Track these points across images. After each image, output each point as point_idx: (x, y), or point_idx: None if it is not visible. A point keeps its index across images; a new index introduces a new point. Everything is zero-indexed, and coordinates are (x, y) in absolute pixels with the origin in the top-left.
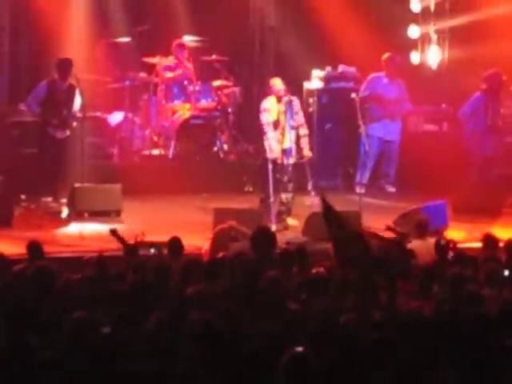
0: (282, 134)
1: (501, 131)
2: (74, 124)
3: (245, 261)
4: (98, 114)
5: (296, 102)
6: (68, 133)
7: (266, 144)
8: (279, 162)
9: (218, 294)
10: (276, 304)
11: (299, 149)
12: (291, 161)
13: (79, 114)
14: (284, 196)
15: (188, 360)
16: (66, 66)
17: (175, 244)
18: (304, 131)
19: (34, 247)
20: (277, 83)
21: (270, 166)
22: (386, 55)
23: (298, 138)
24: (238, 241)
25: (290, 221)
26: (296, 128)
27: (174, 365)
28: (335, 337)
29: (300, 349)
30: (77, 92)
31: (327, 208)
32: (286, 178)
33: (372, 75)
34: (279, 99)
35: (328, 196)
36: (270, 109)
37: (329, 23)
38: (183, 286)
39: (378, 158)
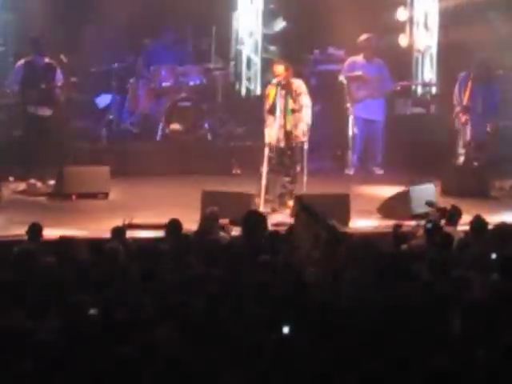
0: (284, 118)
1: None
2: (61, 99)
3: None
4: (86, 96)
5: (298, 84)
6: (50, 112)
7: (265, 129)
8: (278, 145)
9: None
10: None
11: (296, 130)
12: (293, 144)
13: (60, 92)
14: (286, 179)
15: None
16: (38, 42)
17: (174, 226)
18: (303, 113)
19: (35, 229)
20: (276, 68)
21: (266, 150)
22: (362, 36)
23: (298, 120)
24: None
25: (292, 203)
26: (298, 111)
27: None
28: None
29: (286, 330)
30: (58, 71)
31: (306, 210)
32: (286, 161)
33: (349, 58)
34: (279, 83)
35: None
36: (268, 94)
37: (318, 6)
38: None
39: (365, 140)
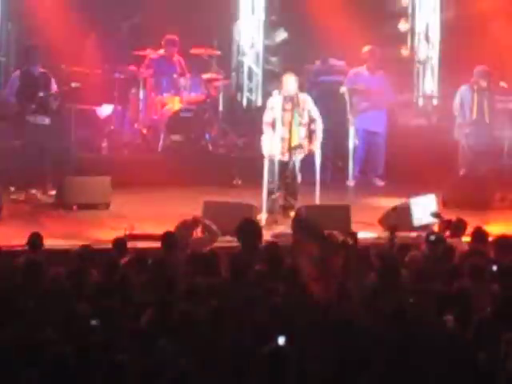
0: (290, 132)
1: (490, 125)
2: (54, 108)
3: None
4: (87, 106)
5: (304, 98)
6: (48, 120)
7: (262, 141)
8: (281, 159)
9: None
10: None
11: (309, 144)
12: (298, 157)
13: (55, 101)
14: (287, 192)
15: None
16: (33, 51)
17: (170, 238)
18: (315, 126)
19: (35, 239)
20: (288, 81)
21: (266, 163)
22: (366, 48)
23: (310, 133)
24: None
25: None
26: (307, 124)
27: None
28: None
29: (282, 341)
30: (52, 80)
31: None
32: (289, 175)
33: (352, 70)
34: (285, 96)
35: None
36: (272, 107)
37: (319, 17)
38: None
39: (367, 151)
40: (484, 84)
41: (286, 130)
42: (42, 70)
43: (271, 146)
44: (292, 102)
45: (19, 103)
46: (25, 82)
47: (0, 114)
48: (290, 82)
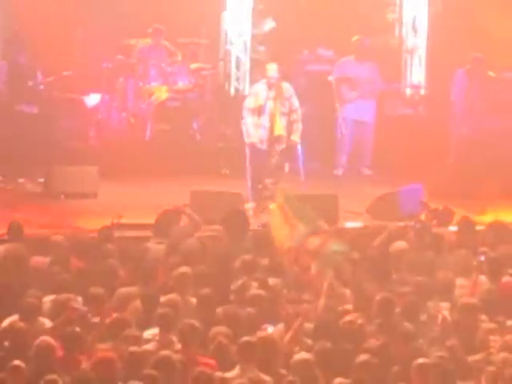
0: (272, 121)
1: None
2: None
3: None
4: (75, 95)
5: (287, 87)
6: (37, 109)
7: (244, 128)
8: (261, 147)
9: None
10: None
11: (288, 134)
12: (280, 147)
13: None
14: (268, 181)
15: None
16: (18, 39)
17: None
18: (295, 116)
19: (15, 228)
20: (271, 69)
21: (248, 151)
22: (354, 38)
23: (289, 123)
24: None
25: (273, 206)
26: (287, 114)
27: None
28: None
29: (271, 329)
30: (37, 68)
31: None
32: (271, 164)
33: (341, 59)
34: (270, 85)
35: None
36: (257, 93)
37: (307, 6)
38: None
39: (354, 141)
40: (478, 71)
41: (268, 118)
42: (28, 60)
43: (254, 132)
44: (275, 90)
45: (8, 92)
46: (12, 70)
47: None
48: (273, 69)
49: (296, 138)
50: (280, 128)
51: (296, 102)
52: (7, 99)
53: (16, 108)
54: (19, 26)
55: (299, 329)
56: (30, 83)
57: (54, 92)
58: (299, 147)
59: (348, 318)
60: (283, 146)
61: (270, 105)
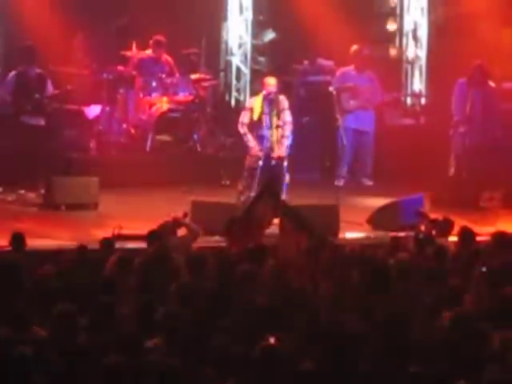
0: (269, 134)
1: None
2: (49, 110)
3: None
4: (76, 106)
5: (282, 99)
6: (43, 121)
7: (244, 140)
8: (259, 160)
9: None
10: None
11: (278, 147)
12: (272, 162)
13: (50, 103)
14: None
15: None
16: (30, 51)
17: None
18: (285, 132)
19: (18, 239)
20: (270, 82)
21: (247, 163)
22: (353, 48)
23: (281, 136)
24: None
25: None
26: (281, 127)
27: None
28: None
29: (272, 340)
30: (49, 81)
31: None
32: (269, 177)
33: (340, 69)
34: (266, 98)
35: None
36: (252, 108)
37: (307, 17)
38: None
39: (355, 151)
40: (479, 79)
41: (264, 132)
42: (38, 71)
43: (253, 145)
44: (272, 103)
45: (14, 104)
46: (20, 82)
47: None
48: (272, 84)
49: (282, 152)
50: (273, 141)
51: (288, 116)
52: (14, 110)
53: (22, 119)
54: (19, 38)
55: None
56: (37, 95)
57: (54, 103)
58: (285, 163)
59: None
60: (274, 161)
61: (265, 119)
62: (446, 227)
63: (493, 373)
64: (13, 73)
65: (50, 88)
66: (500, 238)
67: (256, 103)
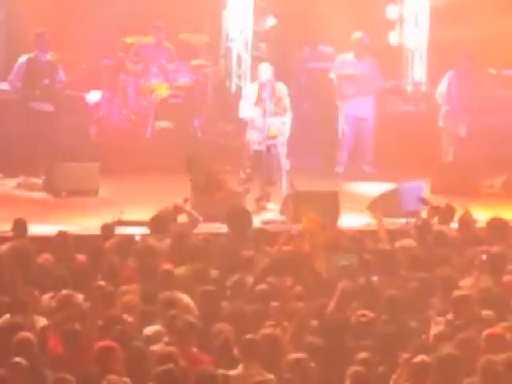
0: (266, 122)
1: (475, 111)
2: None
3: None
4: (76, 92)
5: (280, 87)
6: (52, 108)
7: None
8: (259, 147)
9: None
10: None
11: (281, 134)
12: (274, 147)
13: (62, 89)
14: (264, 181)
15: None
16: (43, 37)
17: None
18: (285, 119)
19: (20, 225)
20: (263, 70)
21: (248, 150)
22: (354, 34)
23: (283, 123)
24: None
25: (269, 205)
26: (281, 114)
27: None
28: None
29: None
30: (60, 68)
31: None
32: (265, 163)
33: (340, 56)
34: (262, 85)
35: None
36: (248, 95)
37: (308, 3)
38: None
39: (355, 138)
40: (467, 68)
41: (261, 120)
42: (50, 58)
43: (251, 133)
44: (268, 91)
45: (24, 89)
46: (31, 68)
47: (4, 99)
48: (266, 70)
49: (285, 136)
50: (273, 128)
51: (287, 103)
52: (23, 95)
53: (32, 105)
54: (20, 24)
55: (301, 326)
56: (47, 81)
57: (67, 90)
58: (285, 149)
59: (359, 312)
60: (275, 146)
61: (262, 106)
62: (448, 214)
63: None
64: (23, 58)
65: (61, 74)
66: (494, 223)
67: (251, 90)
